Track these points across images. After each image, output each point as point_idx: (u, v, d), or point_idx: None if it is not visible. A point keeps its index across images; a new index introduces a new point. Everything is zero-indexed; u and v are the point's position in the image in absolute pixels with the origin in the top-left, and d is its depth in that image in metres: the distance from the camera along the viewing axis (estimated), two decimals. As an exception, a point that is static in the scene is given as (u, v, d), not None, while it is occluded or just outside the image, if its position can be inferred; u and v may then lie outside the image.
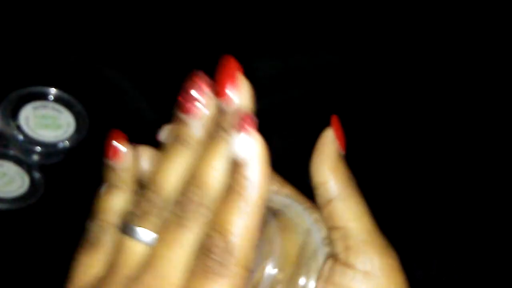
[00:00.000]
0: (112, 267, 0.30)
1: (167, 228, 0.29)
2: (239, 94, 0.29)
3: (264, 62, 0.79)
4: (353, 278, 0.31)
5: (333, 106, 0.78)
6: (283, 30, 0.81)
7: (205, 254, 0.28)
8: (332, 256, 0.33)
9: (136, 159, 0.33)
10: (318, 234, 0.34)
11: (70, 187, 0.68)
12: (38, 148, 0.65)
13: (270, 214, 0.33)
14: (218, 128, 0.29)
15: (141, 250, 0.30)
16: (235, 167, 0.28)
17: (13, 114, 0.66)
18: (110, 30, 0.77)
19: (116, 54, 0.76)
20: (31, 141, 0.65)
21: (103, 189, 0.33)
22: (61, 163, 0.68)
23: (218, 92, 0.29)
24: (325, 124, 0.34)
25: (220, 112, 0.30)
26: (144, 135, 0.34)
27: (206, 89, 0.30)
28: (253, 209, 0.28)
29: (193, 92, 0.30)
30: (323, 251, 0.33)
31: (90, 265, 0.32)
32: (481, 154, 0.81)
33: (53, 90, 0.68)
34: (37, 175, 0.66)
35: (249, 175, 0.28)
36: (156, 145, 0.33)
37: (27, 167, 0.66)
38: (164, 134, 0.33)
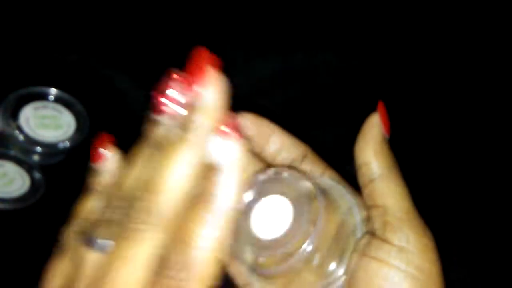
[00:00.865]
0: (71, 278, 0.29)
1: (121, 238, 0.27)
2: (209, 89, 0.27)
3: (263, 61, 0.79)
4: (388, 252, 0.32)
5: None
6: (283, 29, 0.81)
7: (166, 268, 0.27)
8: (370, 233, 0.34)
9: (120, 162, 0.32)
10: (358, 215, 0.35)
11: (70, 187, 0.68)
12: (39, 148, 0.65)
13: (319, 192, 0.34)
14: (184, 128, 0.27)
15: (97, 259, 0.28)
16: (207, 172, 0.26)
17: (14, 114, 0.66)
18: (110, 30, 0.77)
19: (116, 54, 0.76)
20: (31, 141, 0.65)
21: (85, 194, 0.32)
22: (62, 163, 0.68)
23: (187, 87, 0.27)
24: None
25: (192, 111, 0.27)
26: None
27: (179, 87, 0.28)
28: (223, 222, 0.27)
29: (165, 91, 0.28)
30: (361, 231, 0.34)
31: (57, 274, 0.31)
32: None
33: (53, 90, 0.68)
34: (37, 175, 0.66)
35: (225, 183, 0.26)
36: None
37: (28, 167, 0.66)
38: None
